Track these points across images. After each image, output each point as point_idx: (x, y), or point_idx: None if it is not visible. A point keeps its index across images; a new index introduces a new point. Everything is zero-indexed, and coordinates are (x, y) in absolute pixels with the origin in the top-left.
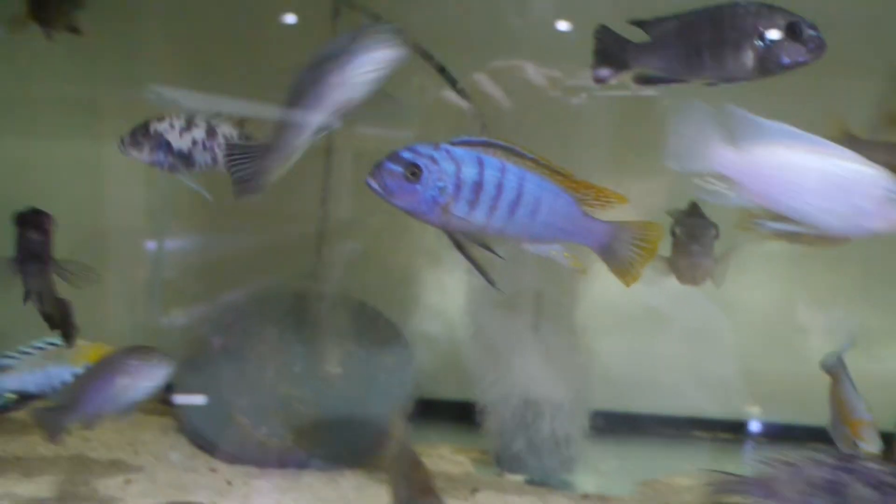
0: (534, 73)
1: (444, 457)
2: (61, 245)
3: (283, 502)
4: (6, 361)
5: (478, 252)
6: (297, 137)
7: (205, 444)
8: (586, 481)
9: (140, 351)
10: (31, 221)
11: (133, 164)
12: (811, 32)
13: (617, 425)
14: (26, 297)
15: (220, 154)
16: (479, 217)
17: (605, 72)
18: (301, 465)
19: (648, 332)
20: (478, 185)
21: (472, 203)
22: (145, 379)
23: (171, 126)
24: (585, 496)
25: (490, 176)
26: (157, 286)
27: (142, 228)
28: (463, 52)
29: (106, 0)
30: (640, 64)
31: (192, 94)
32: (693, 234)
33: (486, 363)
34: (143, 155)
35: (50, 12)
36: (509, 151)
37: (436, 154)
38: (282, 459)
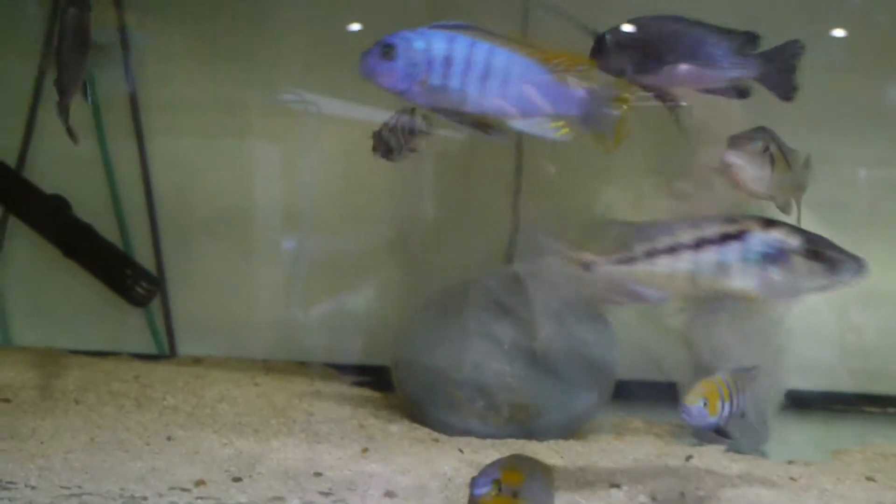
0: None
1: (640, 429)
2: (216, 234)
3: None
4: None
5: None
6: None
7: (422, 418)
8: (780, 451)
9: None
10: None
11: (280, 160)
12: None
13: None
14: None
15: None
16: (453, 88)
17: None
18: (517, 436)
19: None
20: (448, 59)
21: (445, 76)
22: None
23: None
24: (791, 462)
25: (459, 50)
26: (298, 281)
27: (294, 223)
28: None
29: (250, 11)
30: None
31: (327, 99)
32: None
33: (687, 343)
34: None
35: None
36: (480, 31)
37: (409, 34)
38: (500, 431)
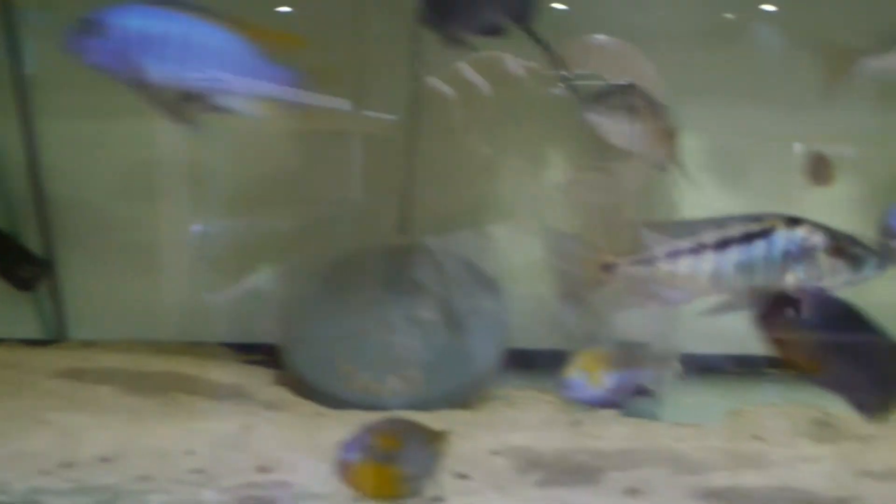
0: (513, 64)
1: (534, 397)
2: (113, 218)
3: None
4: None
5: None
6: None
7: (308, 392)
8: (674, 414)
9: None
10: None
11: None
12: None
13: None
14: None
15: None
16: (162, 66)
17: None
18: (405, 407)
19: None
20: (157, 37)
21: (154, 53)
22: None
23: None
24: (679, 425)
25: (169, 28)
26: (204, 263)
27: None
28: None
29: None
30: None
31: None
32: None
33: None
34: None
35: None
36: (191, 8)
37: (118, 10)
38: (388, 403)
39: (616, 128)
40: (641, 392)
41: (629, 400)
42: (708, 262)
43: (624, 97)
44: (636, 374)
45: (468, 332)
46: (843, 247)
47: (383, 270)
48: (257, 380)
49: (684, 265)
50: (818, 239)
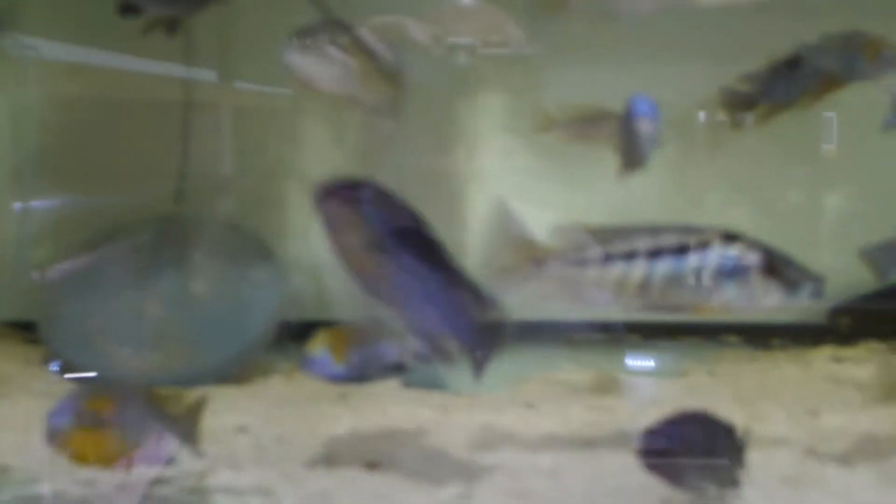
0: (415, 30)
1: None
2: None
3: None
4: None
5: None
6: None
7: (68, 370)
8: (460, 383)
9: None
10: None
11: None
12: None
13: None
14: None
15: None
16: None
17: None
18: (169, 383)
19: None
20: None
21: None
22: None
23: None
24: (458, 395)
25: None
26: (24, 244)
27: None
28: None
29: None
30: None
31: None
32: None
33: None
34: None
35: None
36: None
37: None
38: (148, 379)
39: (317, 70)
40: (395, 368)
41: (378, 376)
42: (639, 270)
43: (328, 37)
44: (385, 350)
45: (239, 304)
46: (778, 268)
47: (152, 242)
48: (29, 359)
49: (615, 270)
50: (753, 258)
